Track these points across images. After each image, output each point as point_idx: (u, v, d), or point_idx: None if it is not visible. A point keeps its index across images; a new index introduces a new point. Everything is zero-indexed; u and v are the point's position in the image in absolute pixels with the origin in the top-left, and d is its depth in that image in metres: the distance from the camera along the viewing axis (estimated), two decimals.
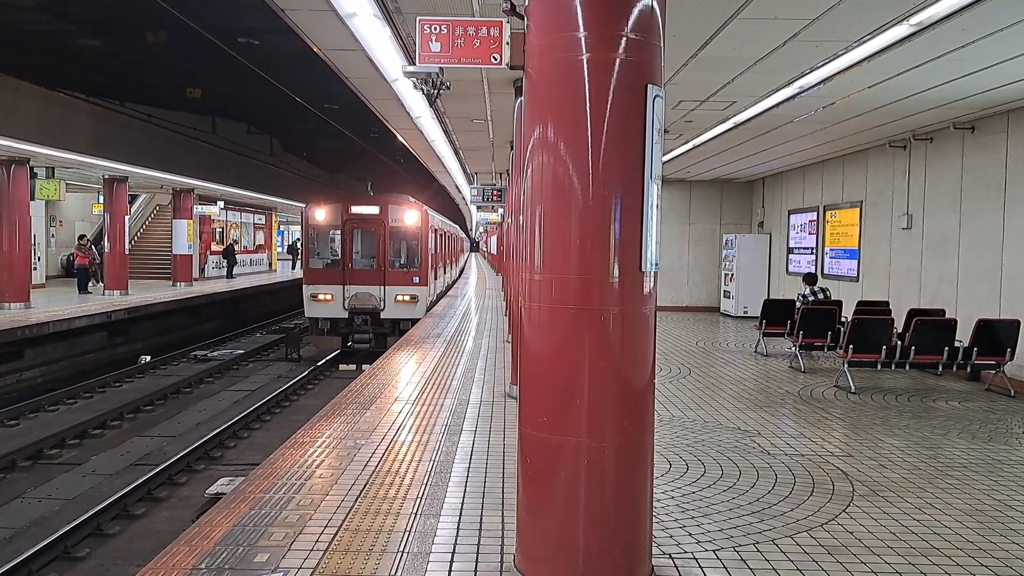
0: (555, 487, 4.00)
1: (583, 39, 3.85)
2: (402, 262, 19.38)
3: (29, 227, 19.52)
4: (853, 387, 9.90)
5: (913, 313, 11.02)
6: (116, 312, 18.98)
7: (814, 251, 16.83)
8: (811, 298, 13.16)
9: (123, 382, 16.29)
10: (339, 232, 19.18)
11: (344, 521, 5.01)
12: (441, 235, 25.39)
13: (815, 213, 16.75)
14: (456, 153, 17.31)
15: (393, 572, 4.27)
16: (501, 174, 20.50)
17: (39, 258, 25.08)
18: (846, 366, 10.11)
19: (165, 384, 15.72)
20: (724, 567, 4.45)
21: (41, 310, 18.16)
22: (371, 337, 18.64)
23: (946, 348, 9.84)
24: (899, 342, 10.04)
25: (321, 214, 19.13)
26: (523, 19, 4.17)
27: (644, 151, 3.90)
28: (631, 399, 4.02)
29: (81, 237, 26.08)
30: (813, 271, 14.01)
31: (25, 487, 9.63)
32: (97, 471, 10.30)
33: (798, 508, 5.48)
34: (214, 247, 33.64)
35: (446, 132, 14.07)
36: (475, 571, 4.33)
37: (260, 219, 41.15)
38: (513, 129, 10.33)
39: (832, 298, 13.30)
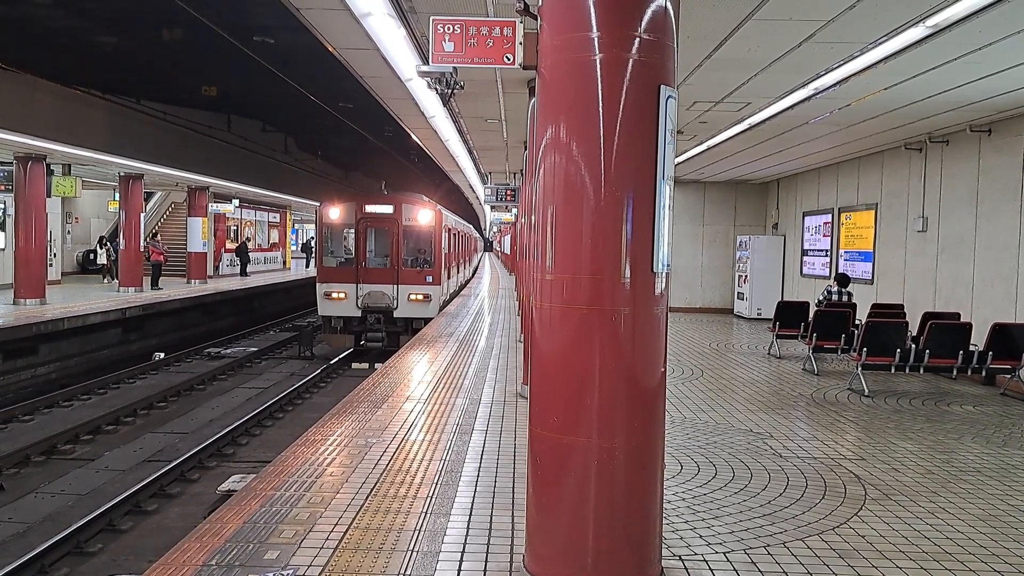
0: (565, 487, 3.99)
1: (596, 39, 3.84)
2: (415, 261, 19.40)
3: (45, 224, 19.68)
4: (867, 390, 9.85)
5: (928, 316, 10.95)
6: (131, 309, 19.10)
7: (829, 253, 16.75)
8: (833, 297, 13.16)
9: (137, 378, 16.38)
10: (353, 231, 19.22)
11: (354, 519, 5.02)
12: (455, 234, 25.40)
13: (830, 215, 16.67)
14: (470, 152, 17.31)
15: (403, 571, 4.27)
16: (515, 174, 20.49)
17: (55, 255, 25.27)
18: (860, 369, 10.05)
19: (178, 381, 15.80)
20: (734, 569, 4.43)
21: (57, 306, 18.29)
22: (384, 336, 18.67)
23: (961, 352, 9.77)
24: (913, 345, 9.97)
25: (335, 213, 19.17)
26: (536, 19, 4.17)
27: (656, 152, 3.89)
28: (642, 400, 4.01)
29: (154, 235, 26.51)
30: (847, 273, 14.02)
31: (39, 482, 9.70)
32: (110, 467, 10.36)
33: (810, 511, 5.46)
34: (228, 245, 33.80)
35: (460, 131, 14.08)
36: (484, 570, 4.33)
37: (274, 217, 41.33)
38: (527, 129, 10.33)
39: (851, 302, 13.25)
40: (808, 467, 6.56)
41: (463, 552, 4.56)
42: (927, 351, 9.78)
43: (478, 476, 6.07)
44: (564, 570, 4.02)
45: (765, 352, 13.65)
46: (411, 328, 18.38)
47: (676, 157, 4.44)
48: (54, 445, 10.96)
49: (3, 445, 10.95)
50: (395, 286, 18.74)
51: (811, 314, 12.34)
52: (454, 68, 4.91)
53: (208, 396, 15.09)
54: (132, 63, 25.06)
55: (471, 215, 57.75)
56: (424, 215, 19.34)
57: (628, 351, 3.96)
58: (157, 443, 11.58)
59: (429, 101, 10.89)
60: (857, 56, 7.66)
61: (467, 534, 4.84)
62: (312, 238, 43.28)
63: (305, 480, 5.83)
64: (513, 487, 5.79)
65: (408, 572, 4.26)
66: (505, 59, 4.52)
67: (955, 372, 10.08)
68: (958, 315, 11.09)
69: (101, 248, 28.48)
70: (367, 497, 5.47)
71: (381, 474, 6.03)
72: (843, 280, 13.59)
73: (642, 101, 3.87)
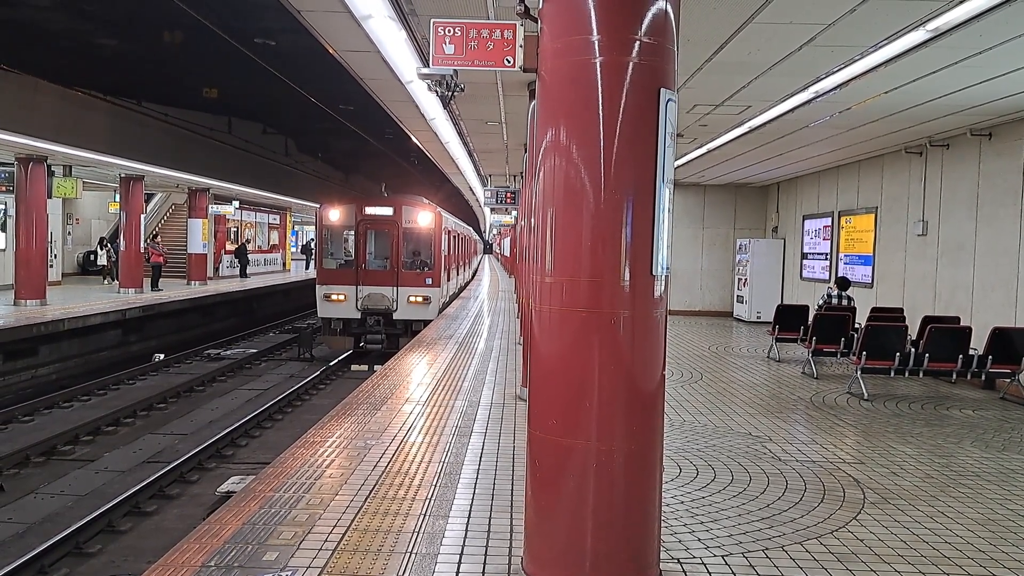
0: (563, 490, 3.99)
1: (596, 42, 3.84)
2: (415, 263, 19.41)
3: (46, 225, 19.69)
4: (866, 394, 9.85)
5: (927, 320, 10.95)
6: (131, 310, 19.10)
7: (828, 257, 16.75)
8: (833, 301, 13.18)
9: (137, 379, 16.38)
10: (353, 233, 19.22)
11: (353, 521, 5.02)
12: (454, 237, 25.41)
13: (830, 219, 16.68)
14: (470, 155, 17.33)
15: (401, 573, 4.27)
16: (515, 176, 20.51)
17: (55, 256, 25.28)
18: (859, 372, 10.05)
19: (178, 382, 15.80)
20: (732, 573, 4.43)
21: (57, 307, 18.29)
22: (383, 338, 18.66)
23: (960, 356, 9.77)
24: (913, 349, 9.98)
25: (335, 215, 19.18)
26: (537, 22, 4.18)
27: (656, 155, 3.90)
28: (641, 402, 4.01)
29: (155, 236, 26.57)
30: (847, 277, 14.07)
31: (38, 483, 9.70)
32: (110, 468, 10.36)
33: (808, 514, 5.46)
34: (228, 246, 33.81)
35: (460, 134, 14.09)
36: (483, 573, 4.33)
37: (275, 219, 41.32)
38: (527, 131, 10.33)
39: (851, 306, 13.25)
40: (807, 471, 6.56)
41: (461, 554, 4.56)
42: (927, 355, 9.78)
43: (477, 478, 6.07)
44: (562, 572, 4.02)
45: (764, 355, 13.64)
46: (410, 330, 18.37)
47: (676, 160, 4.45)
48: (54, 446, 10.95)
49: (3, 446, 10.95)
50: (395, 288, 18.74)
51: (811, 317, 12.36)
52: (454, 70, 4.91)
53: (208, 398, 15.09)
54: (133, 65, 25.12)
55: (471, 217, 57.74)
56: (424, 217, 19.34)
57: (627, 354, 3.97)
58: (157, 444, 11.58)
59: (429, 103, 10.90)
60: (857, 60, 7.67)
61: (465, 536, 4.84)
62: (312, 240, 43.27)
63: (304, 482, 5.83)
64: (512, 489, 5.79)
65: (406, 574, 4.26)
66: (505, 62, 4.53)
67: (955, 376, 10.09)
68: (958, 319, 11.10)
69: (102, 249, 28.50)
70: (366, 499, 5.47)
71: (380, 476, 6.03)
72: (843, 283, 13.61)
73: (642, 104, 3.87)
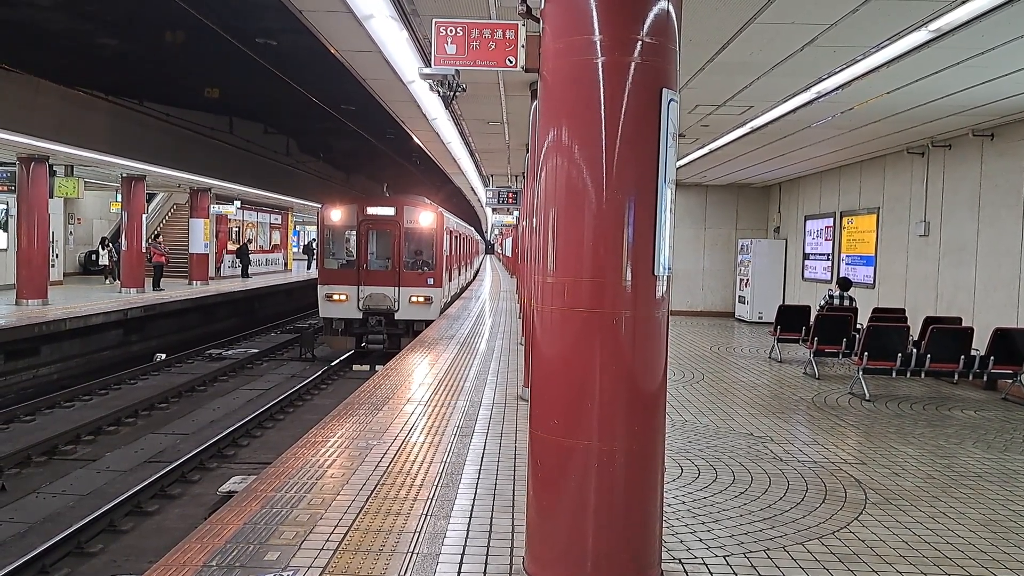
0: (565, 490, 3.99)
1: (598, 42, 3.84)
2: (417, 263, 19.40)
3: (48, 224, 19.72)
4: (867, 394, 9.84)
5: (929, 320, 10.94)
6: (132, 310, 19.11)
7: (830, 257, 16.74)
8: (835, 301, 13.17)
9: (138, 379, 16.39)
10: (354, 233, 19.23)
11: (355, 521, 5.02)
12: (456, 237, 25.41)
13: (832, 219, 16.67)
14: (472, 155, 17.32)
15: (402, 573, 4.27)
16: (517, 176, 20.50)
17: (57, 255, 25.29)
18: (861, 373, 10.04)
19: (180, 382, 15.80)
20: (734, 573, 4.42)
21: (59, 307, 18.30)
22: (385, 338, 18.67)
23: (962, 356, 9.76)
24: (915, 350, 9.97)
25: (337, 215, 19.19)
26: (538, 22, 4.17)
27: (658, 155, 3.89)
28: (642, 403, 4.01)
29: (156, 236, 26.89)
30: (848, 277, 14.09)
31: (40, 482, 9.71)
32: (111, 467, 10.37)
33: (810, 515, 5.45)
34: (230, 246, 33.83)
35: (462, 134, 14.09)
36: (484, 573, 4.32)
37: (276, 219, 41.35)
38: (529, 132, 10.33)
39: (852, 306, 13.24)
40: (809, 471, 6.55)
41: (463, 554, 4.56)
42: (928, 355, 9.77)
43: (478, 478, 6.07)
44: (563, 572, 4.02)
45: (766, 356, 13.64)
46: (412, 330, 18.37)
47: (678, 160, 4.44)
48: (55, 445, 10.96)
49: (5, 445, 10.96)
50: (396, 288, 18.75)
51: (812, 318, 12.35)
52: (456, 70, 4.91)
53: (209, 397, 15.09)
54: (134, 65, 25.11)
55: (472, 217, 57.75)
56: (426, 217, 19.35)
57: (629, 354, 3.96)
58: (158, 444, 11.59)
59: (431, 103, 10.89)
60: (860, 60, 7.66)
61: (467, 536, 4.84)
62: (314, 240, 43.27)
63: (305, 482, 5.83)
64: (513, 489, 5.79)
65: (408, 574, 4.26)
66: (507, 62, 4.53)
67: (956, 377, 10.07)
68: (959, 320, 11.08)
69: (103, 249, 28.53)
70: (367, 499, 5.47)
71: (381, 476, 6.03)
72: (845, 284, 13.61)
73: (644, 104, 3.87)
